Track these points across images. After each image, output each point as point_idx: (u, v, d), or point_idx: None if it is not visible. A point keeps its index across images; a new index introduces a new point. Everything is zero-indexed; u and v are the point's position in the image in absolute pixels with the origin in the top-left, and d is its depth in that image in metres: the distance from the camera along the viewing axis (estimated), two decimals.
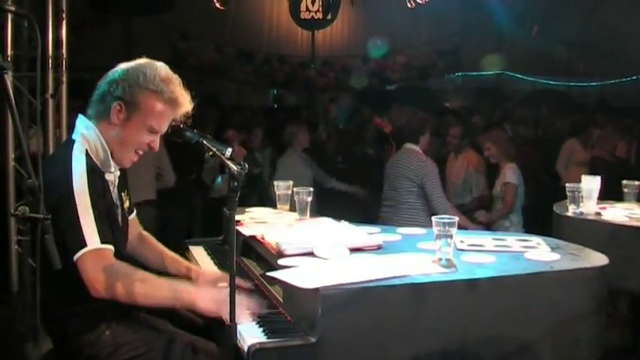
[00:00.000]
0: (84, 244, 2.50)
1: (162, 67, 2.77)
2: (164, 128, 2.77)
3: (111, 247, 2.57)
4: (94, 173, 2.63)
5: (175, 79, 2.77)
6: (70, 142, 2.71)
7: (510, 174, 6.01)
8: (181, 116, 2.77)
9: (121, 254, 2.81)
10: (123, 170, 2.92)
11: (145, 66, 2.74)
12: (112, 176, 2.79)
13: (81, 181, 2.56)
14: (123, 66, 2.76)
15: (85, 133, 2.71)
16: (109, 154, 2.73)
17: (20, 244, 4.70)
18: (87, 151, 2.67)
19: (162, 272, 3.08)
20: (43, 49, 5.04)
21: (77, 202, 2.52)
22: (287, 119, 9.12)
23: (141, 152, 2.80)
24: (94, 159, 2.69)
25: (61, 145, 2.94)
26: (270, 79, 15.61)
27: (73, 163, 2.59)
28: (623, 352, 5.25)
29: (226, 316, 2.45)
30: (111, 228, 2.70)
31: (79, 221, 2.51)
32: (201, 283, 3.01)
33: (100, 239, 2.53)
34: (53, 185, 2.50)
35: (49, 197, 2.34)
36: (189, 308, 2.69)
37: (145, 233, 3.23)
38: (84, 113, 2.79)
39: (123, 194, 2.94)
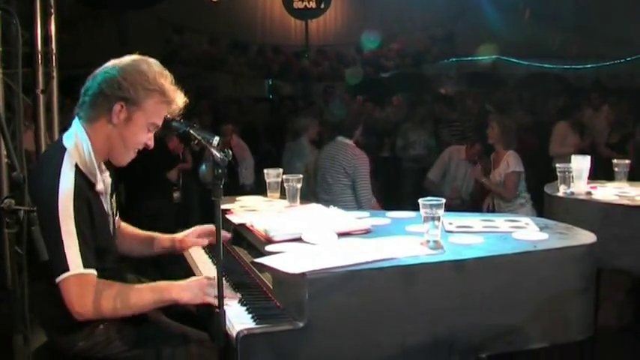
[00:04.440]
0: (66, 269, 2.48)
1: (156, 64, 2.73)
2: (160, 124, 2.75)
3: (93, 271, 2.53)
4: (82, 192, 2.58)
5: (168, 74, 2.73)
6: (61, 150, 2.63)
7: (514, 162, 6.05)
8: (173, 113, 2.74)
9: (114, 258, 2.83)
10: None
11: (141, 63, 2.69)
12: (103, 186, 2.72)
13: (67, 203, 2.50)
14: (115, 64, 2.68)
15: (79, 143, 2.64)
16: (96, 165, 2.67)
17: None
18: (77, 164, 2.60)
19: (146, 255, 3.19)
20: (32, 45, 5.03)
21: (61, 226, 2.48)
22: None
23: (138, 150, 2.77)
24: (85, 171, 2.63)
25: (51, 149, 2.83)
26: (264, 70, 15.59)
27: (60, 181, 2.53)
28: (620, 332, 5.27)
29: (208, 300, 2.54)
30: (105, 239, 2.70)
31: (62, 244, 2.48)
32: (156, 246, 3.15)
33: (83, 264, 2.50)
34: (40, 199, 2.51)
35: (36, 207, 2.39)
36: (174, 303, 2.68)
37: (123, 224, 3.18)
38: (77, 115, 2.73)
39: (112, 200, 2.89)
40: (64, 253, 2.48)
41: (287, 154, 7.64)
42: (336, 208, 3.39)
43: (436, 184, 7.30)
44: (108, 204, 2.80)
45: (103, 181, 2.73)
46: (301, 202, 3.60)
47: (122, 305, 2.56)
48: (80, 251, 2.50)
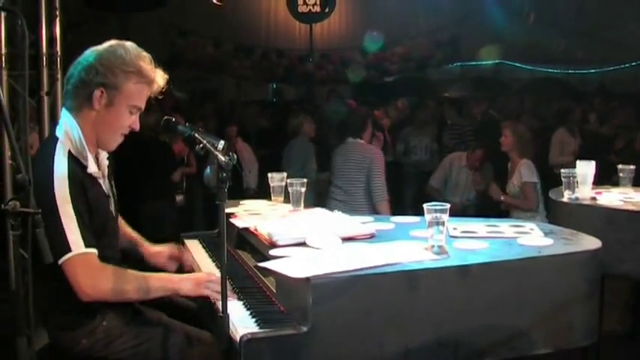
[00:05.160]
0: (68, 249, 2.52)
1: (133, 47, 2.76)
2: (143, 106, 2.78)
3: (94, 250, 2.58)
4: (77, 176, 2.62)
5: (146, 55, 2.77)
6: (53, 141, 2.68)
7: (527, 172, 5.92)
8: (155, 92, 2.79)
9: (116, 243, 2.88)
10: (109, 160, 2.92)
11: (117, 47, 2.72)
12: (98, 169, 2.76)
13: (63, 188, 2.55)
14: (93, 51, 2.73)
15: (69, 130, 2.68)
16: (87, 149, 2.70)
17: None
18: (69, 151, 2.64)
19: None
20: (36, 47, 5.03)
21: (60, 209, 2.53)
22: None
23: (125, 134, 2.80)
24: (78, 157, 2.67)
25: (45, 142, 2.92)
26: (268, 74, 15.62)
27: (55, 168, 2.58)
28: (623, 337, 5.25)
29: (206, 293, 2.68)
30: (104, 220, 2.73)
31: (62, 227, 2.52)
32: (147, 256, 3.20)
33: (84, 244, 2.54)
34: (36, 187, 2.48)
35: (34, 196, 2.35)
36: (176, 295, 2.78)
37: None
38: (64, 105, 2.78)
39: (112, 182, 2.94)
40: (65, 234, 2.52)
41: (286, 150, 7.66)
42: (340, 212, 3.37)
43: (439, 190, 7.24)
44: (107, 186, 2.84)
45: (100, 164, 2.79)
46: (305, 207, 3.60)
47: (125, 288, 2.62)
48: (80, 231, 2.54)
